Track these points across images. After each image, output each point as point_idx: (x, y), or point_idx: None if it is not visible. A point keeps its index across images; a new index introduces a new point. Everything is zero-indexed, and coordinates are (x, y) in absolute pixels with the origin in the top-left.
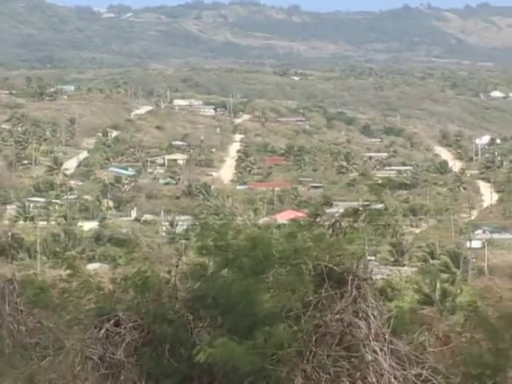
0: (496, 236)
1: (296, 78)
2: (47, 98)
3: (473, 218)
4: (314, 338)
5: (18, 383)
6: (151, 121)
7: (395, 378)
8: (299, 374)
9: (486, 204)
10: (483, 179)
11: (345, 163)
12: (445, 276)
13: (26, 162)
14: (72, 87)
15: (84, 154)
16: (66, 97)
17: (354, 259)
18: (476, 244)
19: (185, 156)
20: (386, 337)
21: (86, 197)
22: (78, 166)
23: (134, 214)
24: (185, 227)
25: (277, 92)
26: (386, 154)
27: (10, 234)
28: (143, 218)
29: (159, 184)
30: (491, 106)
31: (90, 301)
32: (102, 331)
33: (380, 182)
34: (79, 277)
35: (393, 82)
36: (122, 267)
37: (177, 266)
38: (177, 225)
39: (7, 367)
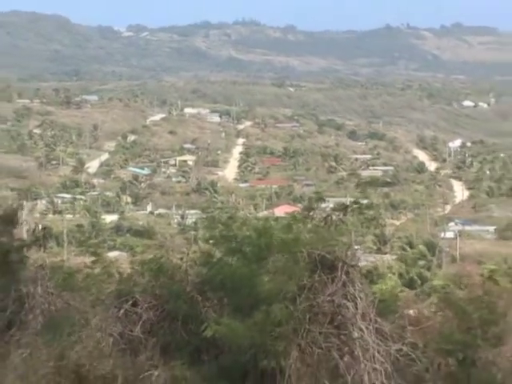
0: (467, 228)
1: (291, 89)
2: (73, 106)
3: (446, 211)
4: (307, 317)
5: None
6: (165, 126)
7: (379, 353)
8: (294, 349)
9: (458, 200)
10: (455, 178)
11: (334, 164)
12: (421, 263)
13: (54, 162)
14: (95, 97)
15: (105, 156)
16: (89, 105)
17: (343, 248)
18: (449, 235)
19: (194, 157)
20: (371, 316)
21: (107, 193)
22: (100, 166)
23: (149, 208)
24: (194, 220)
25: (275, 101)
26: (370, 156)
27: (40, 225)
28: (157, 212)
29: (171, 182)
30: (463, 114)
31: (111, 284)
32: (122, 311)
33: (365, 180)
34: (101, 263)
35: (376, 93)
36: (139, 255)
37: (187, 254)
38: (187, 218)
39: (40, 346)
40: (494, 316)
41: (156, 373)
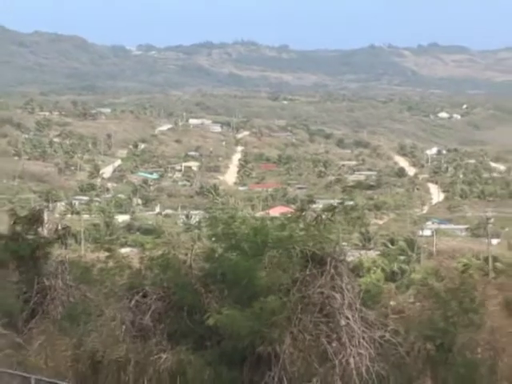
0: (442, 226)
1: (285, 102)
2: (89, 117)
3: (424, 212)
4: (299, 307)
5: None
6: (171, 136)
7: (363, 339)
8: (288, 336)
9: (434, 201)
10: (432, 182)
11: (323, 169)
12: (402, 258)
13: (72, 168)
14: (109, 109)
15: (118, 162)
16: (104, 117)
17: (331, 245)
18: (427, 232)
19: (197, 163)
20: (357, 306)
21: (119, 195)
22: (114, 171)
23: (157, 209)
24: (198, 219)
25: (270, 113)
26: (355, 162)
27: (61, 225)
28: (165, 212)
29: (177, 185)
30: (438, 125)
31: (123, 277)
32: (133, 301)
33: (351, 184)
34: (114, 258)
35: (361, 106)
36: (148, 251)
37: (192, 250)
38: (191, 217)
39: (60, 333)
40: (470, 304)
41: (164, 356)
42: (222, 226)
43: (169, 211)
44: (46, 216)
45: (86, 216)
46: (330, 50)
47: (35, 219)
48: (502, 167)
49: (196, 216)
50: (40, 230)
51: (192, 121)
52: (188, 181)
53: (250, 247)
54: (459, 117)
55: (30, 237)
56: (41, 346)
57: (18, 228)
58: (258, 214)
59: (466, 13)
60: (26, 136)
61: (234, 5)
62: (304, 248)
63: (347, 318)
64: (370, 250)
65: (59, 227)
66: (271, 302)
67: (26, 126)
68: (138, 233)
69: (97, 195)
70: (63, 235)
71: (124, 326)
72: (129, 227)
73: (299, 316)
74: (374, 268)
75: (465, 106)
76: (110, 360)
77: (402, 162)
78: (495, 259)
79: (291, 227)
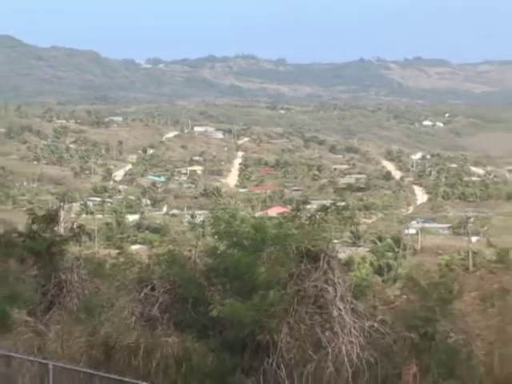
0: (426, 225)
1: (282, 111)
2: (102, 125)
3: (409, 212)
4: (295, 299)
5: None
6: (177, 142)
7: (354, 328)
8: (285, 325)
9: (419, 202)
10: (417, 184)
11: (317, 173)
12: (389, 254)
13: (87, 172)
14: (120, 118)
15: (129, 166)
16: (115, 125)
17: (324, 242)
18: (412, 231)
19: (201, 167)
20: (348, 298)
21: (130, 197)
22: (125, 174)
23: (164, 209)
24: (202, 219)
25: (268, 121)
26: (346, 166)
27: (76, 224)
28: (171, 212)
29: (183, 187)
30: (423, 132)
31: (133, 272)
32: (142, 294)
33: (343, 186)
34: (125, 255)
35: (352, 114)
36: (156, 248)
37: (196, 247)
38: (196, 217)
39: (75, 323)
40: (450, 296)
41: (170, 339)
42: (224, 225)
43: (175, 211)
44: (62, 215)
45: (99, 216)
46: (323, 64)
47: (51, 218)
48: (480, 171)
49: (200, 216)
50: (56, 228)
51: (196, 128)
52: (193, 183)
53: (250, 244)
54: (442, 125)
55: (46, 235)
56: (57, 334)
57: (36, 227)
58: (258, 214)
59: (448, 28)
60: (45, 142)
61: (235, 21)
62: (299, 245)
63: (339, 309)
64: (359, 246)
65: (74, 226)
66: (270, 294)
67: (44, 133)
68: (146, 231)
69: (109, 196)
70: (78, 233)
71: (134, 317)
72: (138, 226)
73: (295, 307)
74: (364, 263)
75: (447, 115)
76: (122, 346)
77: (389, 166)
78: (475, 255)
79: (288, 226)
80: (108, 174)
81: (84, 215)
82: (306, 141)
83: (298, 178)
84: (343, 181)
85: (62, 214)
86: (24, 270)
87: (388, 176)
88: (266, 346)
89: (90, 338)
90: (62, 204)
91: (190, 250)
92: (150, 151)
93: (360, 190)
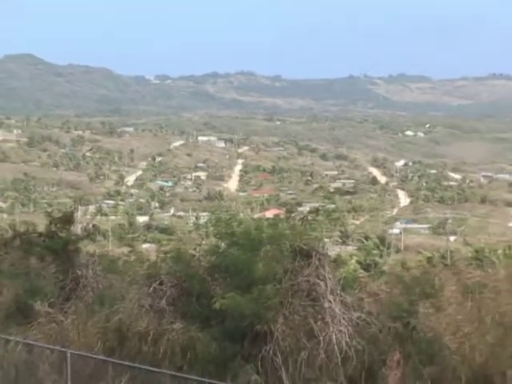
0: (409, 225)
1: (278, 123)
2: (115, 135)
3: (394, 213)
4: (290, 293)
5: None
6: (183, 150)
7: (343, 319)
8: (280, 316)
9: (402, 204)
10: (400, 188)
11: (310, 178)
12: (375, 252)
13: (101, 177)
14: (132, 129)
15: (139, 172)
16: (127, 135)
17: (316, 241)
18: (396, 231)
19: (205, 173)
20: (338, 292)
21: (140, 200)
22: (136, 180)
23: (172, 211)
24: (205, 220)
25: (265, 131)
26: (336, 172)
27: (91, 224)
28: (178, 214)
29: (188, 192)
30: (405, 141)
31: (143, 268)
32: (151, 288)
33: (333, 190)
34: (136, 252)
35: (341, 125)
36: (164, 246)
37: (200, 246)
38: (200, 218)
39: (90, 314)
40: (431, 290)
41: (175, 325)
42: (225, 226)
43: (181, 213)
44: (77, 217)
45: (112, 217)
46: (315, 79)
47: (68, 219)
48: (458, 176)
49: (204, 217)
50: (72, 228)
51: (200, 138)
52: (197, 188)
53: (248, 243)
54: (422, 134)
55: (63, 234)
56: (74, 323)
57: (53, 227)
58: (256, 216)
59: (429, 47)
60: (63, 151)
61: (236, 40)
62: (293, 244)
63: (329, 301)
64: (348, 245)
65: (89, 226)
66: (266, 288)
67: (62, 142)
68: (155, 231)
69: (121, 200)
70: (92, 233)
71: (144, 308)
72: (148, 226)
73: (290, 300)
74: (352, 260)
75: (427, 126)
76: (133, 333)
77: (375, 172)
78: (453, 253)
79: (282, 226)
80: (120, 179)
81: (99, 216)
82: (300, 149)
83: (292, 182)
84: (333, 185)
85: (77, 215)
86: (44, 267)
87: (374, 181)
88: (263, 335)
89: (103, 326)
90: (77, 206)
91: (194, 249)
92: (159, 159)
93: (348, 193)
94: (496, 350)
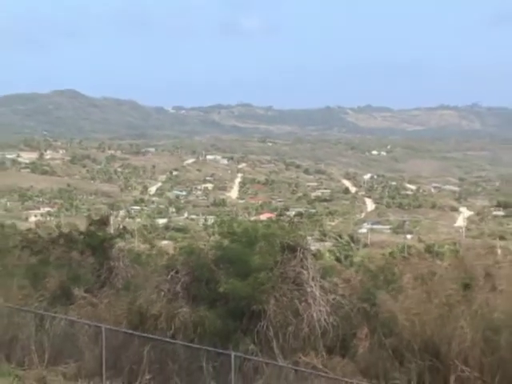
0: (374, 226)
1: (270, 144)
2: (140, 155)
3: (362, 216)
4: (280, 280)
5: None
6: (194, 166)
7: (322, 301)
8: (272, 298)
9: (368, 209)
10: (367, 197)
11: (295, 188)
12: (347, 247)
13: (129, 188)
14: (153, 149)
15: (159, 184)
16: (150, 154)
17: (300, 238)
18: (363, 230)
19: (212, 185)
20: (318, 278)
21: (160, 206)
22: (157, 190)
23: (185, 214)
24: (212, 222)
25: (260, 151)
26: (316, 184)
27: (121, 225)
28: (190, 217)
29: (198, 199)
30: (371, 159)
31: (162, 260)
32: (169, 276)
33: (313, 198)
34: (156, 248)
35: (320, 146)
36: (179, 243)
37: (208, 242)
38: (207, 220)
39: (120, 297)
40: (391, 277)
41: (184, 309)
42: (227, 227)
43: (193, 216)
44: (111, 219)
45: (138, 219)
46: (299, 110)
47: (103, 221)
48: (413, 187)
49: (211, 219)
50: (107, 228)
51: (208, 157)
52: (205, 196)
53: (246, 240)
54: (385, 154)
55: (99, 233)
56: (107, 305)
57: (92, 228)
58: (252, 218)
59: (389, 83)
60: (99, 167)
61: (237, 76)
62: (282, 240)
63: (311, 286)
64: (325, 242)
65: (120, 227)
66: (261, 276)
67: (98, 160)
68: (172, 231)
69: (145, 206)
70: (122, 232)
71: (162, 293)
72: (166, 227)
73: (279, 285)
74: (328, 254)
75: (388, 147)
76: (150, 314)
77: (347, 184)
78: (409, 248)
79: (273, 226)
80: (144, 190)
81: (127, 219)
82: (287, 165)
83: (281, 192)
84: (314, 194)
85: (111, 218)
86: (84, 259)
87: (346, 191)
88: (258, 313)
89: (129, 307)
90: (110, 211)
91: (203, 244)
92: (175, 173)
93: (326, 200)
94: (441, 325)
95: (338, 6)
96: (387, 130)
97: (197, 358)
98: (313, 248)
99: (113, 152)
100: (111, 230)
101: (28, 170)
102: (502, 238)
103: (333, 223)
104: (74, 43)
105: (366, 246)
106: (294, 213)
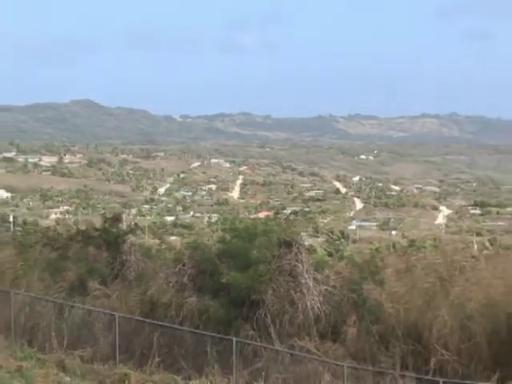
0: (362, 223)
1: (268, 149)
2: (151, 158)
3: (351, 214)
4: (277, 272)
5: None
6: (200, 169)
7: (315, 291)
8: (270, 289)
9: (357, 208)
10: (356, 197)
11: (291, 189)
12: (337, 242)
13: (140, 188)
14: (162, 154)
15: (168, 185)
16: (159, 158)
17: (296, 234)
18: (353, 227)
19: (215, 186)
20: (311, 271)
21: (169, 205)
22: (165, 190)
23: (191, 213)
24: (215, 219)
25: (259, 156)
26: (310, 185)
27: (133, 222)
28: (196, 215)
29: (203, 199)
30: (360, 163)
31: (171, 254)
32: (176, 269)
33: (308, 198)
34: (165, 243)
35: (313, 151)
36: (185, 238)
37: (212, 237)
38: (212, 218)
39: (132, 288)
40: (377, 269)
41: (191, 299)
42: (230, 223)
43: (198, 214)
44: (124, 217)
45: (148, 217)
46: (294, 118)
47: (117, 219)
48: (397, 188)
49: (214, 217)
50: (120, 225)
51: (212, 160)
52: (210, 196)
53: (247, 236)
54: (372, 158)
55: (113, 230)
56: (119, 295)
57: (107, 224)
58: (252, 216)
59: (376, 94)
60: (113, 169)
61: (238, 88)
62: (279, 236)
63: (305, 278)
64: (318, 237)
65: (132, 224)
66: (259, 268)
67: (112, 163)
68: (179, 227)
69: (155, 205)
70: (134, 229)
71: (171, 283)
72: (174, 224)
73: (277, 277)
74: (321, 248)
75: (375, 151)
76: (161, 302)
77: (338, 185)
78: (394, 243)
79: (271, 223)
80: (154, 190)
81: (139, 217)
82: (284, 168)
83: (278, 192)
84: (308, 194)
85: (124, 216)
86: (99, 254)
87: (337, 191)
88: (257, 302)
89: (141, 297)
90: (123, 209)
91: (208, 240)
92: (182, 175)
93: (319, 200)
94: (423, 312)
95: (328, 21)
96: (374, 136)
97: (202, 343)
98: (307, 243)
99: (125, 156)
100: (124, 226)
101: (49, 172)
102: (478, 234)
103: (325, 221)
104: (91, 58)
105: (355, 241)
106: (289, 211)
